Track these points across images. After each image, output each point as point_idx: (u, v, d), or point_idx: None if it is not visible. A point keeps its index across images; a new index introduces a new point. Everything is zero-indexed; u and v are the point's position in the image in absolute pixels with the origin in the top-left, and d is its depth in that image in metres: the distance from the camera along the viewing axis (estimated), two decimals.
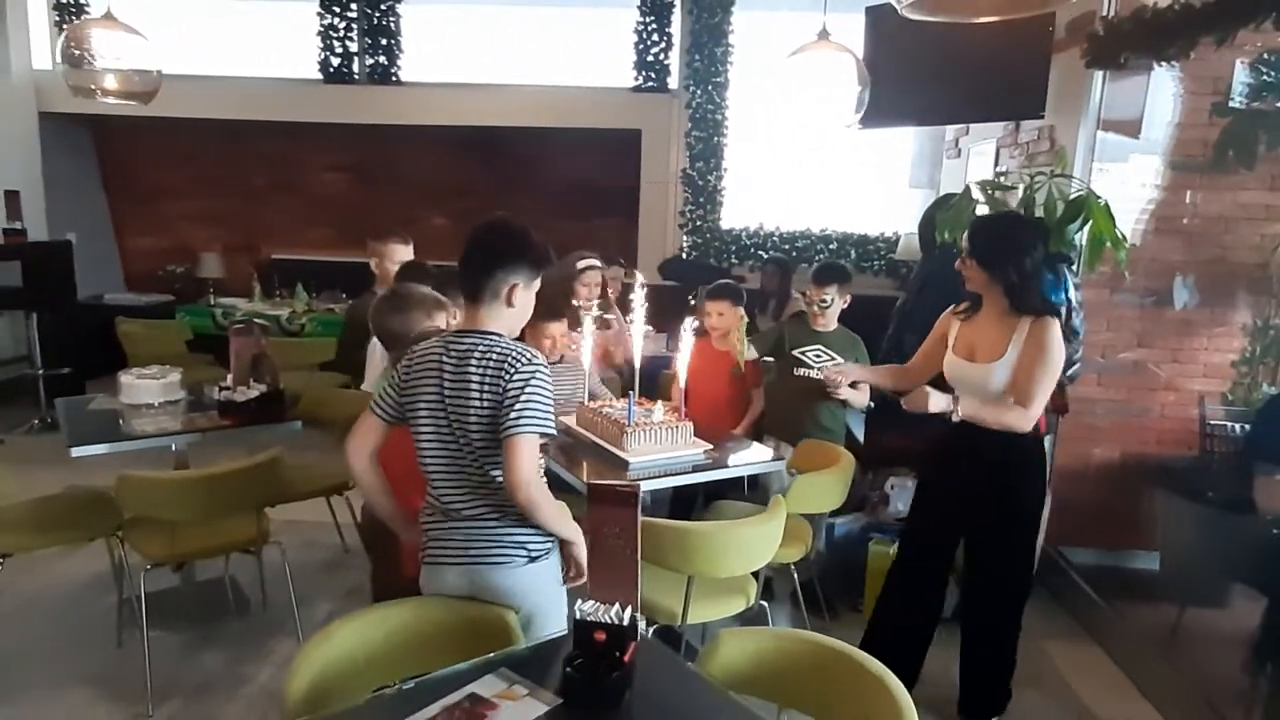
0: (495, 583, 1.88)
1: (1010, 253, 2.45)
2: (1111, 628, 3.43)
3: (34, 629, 3.32)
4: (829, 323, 3.49)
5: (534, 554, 1.91)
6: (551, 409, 1.87)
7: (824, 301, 3.42)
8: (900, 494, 3.94)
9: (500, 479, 1.85)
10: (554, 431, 1.89)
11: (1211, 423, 3.60)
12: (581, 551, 1.92)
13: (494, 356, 1.84)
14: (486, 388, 1.83)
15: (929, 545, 2.82)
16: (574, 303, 3.70)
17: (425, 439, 1.90)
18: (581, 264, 3.92)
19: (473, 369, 1.83)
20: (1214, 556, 3.30)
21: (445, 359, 1.87)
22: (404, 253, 3.72)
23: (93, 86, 3.19)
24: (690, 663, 1.84)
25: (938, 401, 2.45)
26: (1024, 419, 2.43)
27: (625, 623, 1.65)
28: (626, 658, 1.63)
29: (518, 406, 1.80)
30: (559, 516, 1.90)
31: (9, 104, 6.38)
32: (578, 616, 1.65)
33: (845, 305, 3.47)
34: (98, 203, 7.60)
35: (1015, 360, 2.45)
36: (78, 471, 3.14)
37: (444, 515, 1.93)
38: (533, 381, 1.82)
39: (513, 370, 1.82)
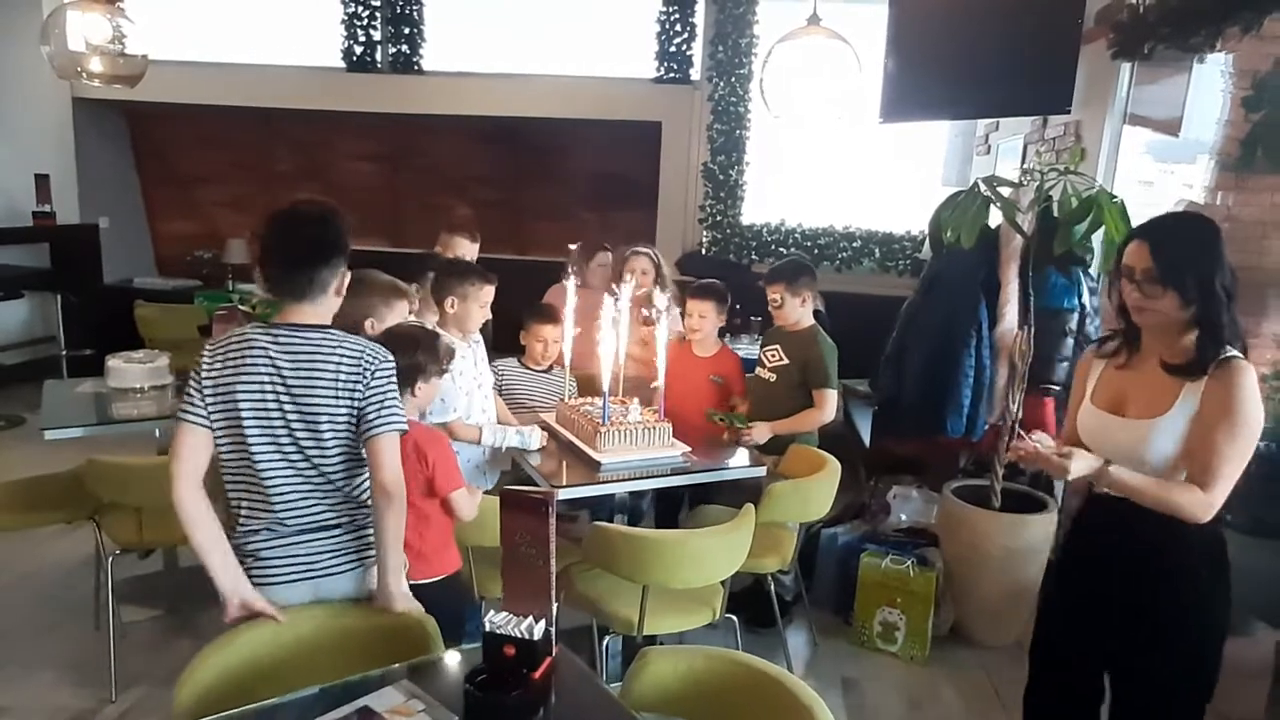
0: (342, 591, 1.81)
1: (1210, 264, 1.74)
2: None
3: (19, 608, 3.35)
4: (785, 321, 3.34)
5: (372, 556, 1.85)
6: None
7: (774, 301, 3.30)
8: (903, 504, 3.79)
9: (348, 486, 1.78)
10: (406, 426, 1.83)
11: None
12: (393, 583, 1.79)
13: (348, 356, 1.74)
14: (344, 390, 1.73)
15: (1061, 670, 2.03)
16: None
17: (255, 448, 1.71)
18: (627, 251, 3.82)
19: (325, 370, 1.72)
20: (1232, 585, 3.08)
21: (280, 359, 1.71)
22: (468, 249, 3.64)
23: (79, 69, 3.19)
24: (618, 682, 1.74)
25: (1081, 464, 1.74)
26: (1202, 506, 1.72)
27: (537, 637, 1.56)
28: (536, 675, 1.54)
29: (386, 405, 1.75)
30: (402, 528, 1.80)
31: (42, 88, 6.49)
32: (486, 628, 1.57)
33: (804, 303, 3.29)
34: (131, 187, 7.72)
35: (1188, 419, 1.75)
36: (89, 452, 3.13)
37: (276, 531, 1.76)
38: (390, 378, 1.79)
39: (372, 369, 1.76)
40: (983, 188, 3.15)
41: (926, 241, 6.02)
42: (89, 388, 3.41)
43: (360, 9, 6.51)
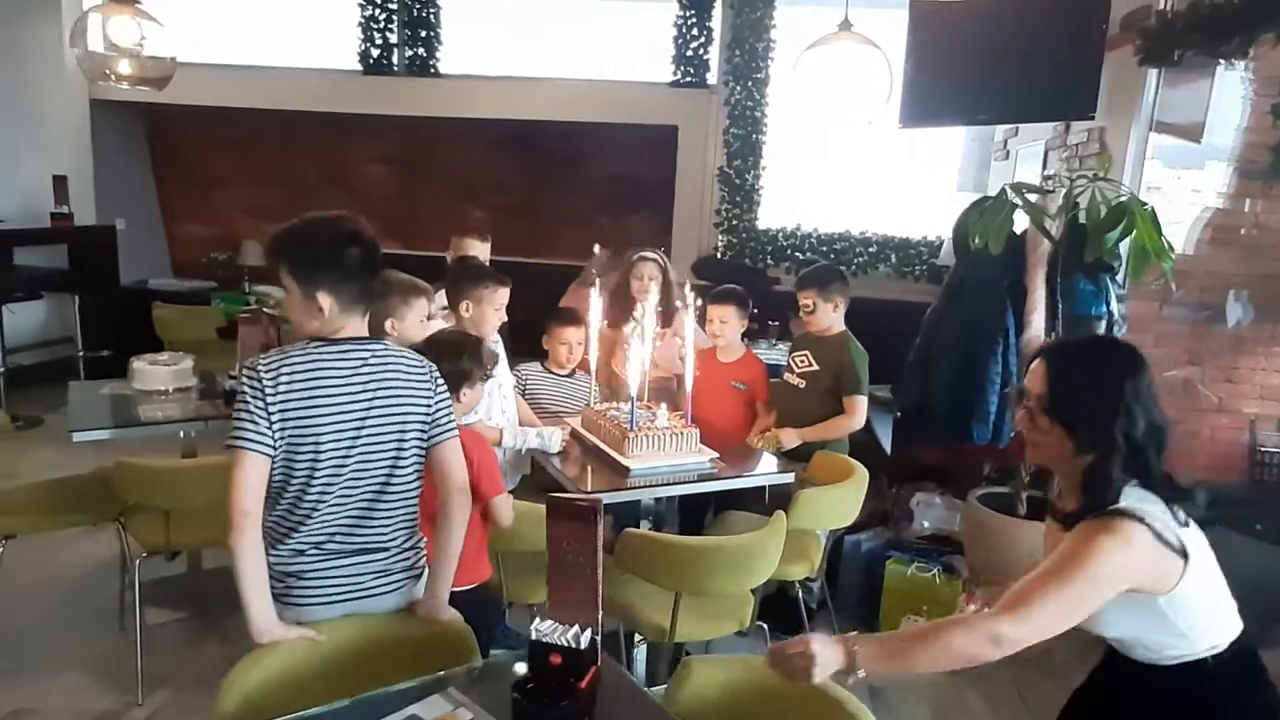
0: (382, 610, 1.77)
1: (1112, 405, 1.41)
2: None
3: (44, 609, 3.35)
4: (817, 327, 3.33)
5: (420, 570, 1.84)
6: None
7: (806, 307, 3.29)
8: (926, 511, 3.78)
9: (409, 504, 1.78)
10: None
11: (1263, 449, 3.35)
12: (443, 590, 1.82)
13: (415, 365, 1.77)
14: (420, 399, 1.75)
15: None
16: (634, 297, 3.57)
17: (329, 469, 1.65)
18: (635, 255, 3.81)
19: (400, 382, 1.73)
20: (1260, 595, 3.06)
21: (358, 376, 1.67)
22: (479, 249, 3.65)
23: (107, 71, 3.20)
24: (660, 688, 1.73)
25: (826, 658, 1.37)
26: (988, 642, 1.35)
27: (583, 646, 1.55)
28: (583, 684, 1.53)
29: (449, 410, 1.80)
30: (464, 532, 1.83)
31: (60, 90, 6.52)
32: (533, 636, 1.56)
33: (836, 308, 3.28)
34: (147, 189, 7.75)
35: None
36: (110, 454, 3.13)
37: (325, 550, 1.70)
38: (445, 383, 1.83)
39: (436, 376, 1.80)
40: (1010, 194, 3.13)
41: (944, 246, 6.01)
42: (113, 389, 3.41)
43: (377, 12, 6.54)
